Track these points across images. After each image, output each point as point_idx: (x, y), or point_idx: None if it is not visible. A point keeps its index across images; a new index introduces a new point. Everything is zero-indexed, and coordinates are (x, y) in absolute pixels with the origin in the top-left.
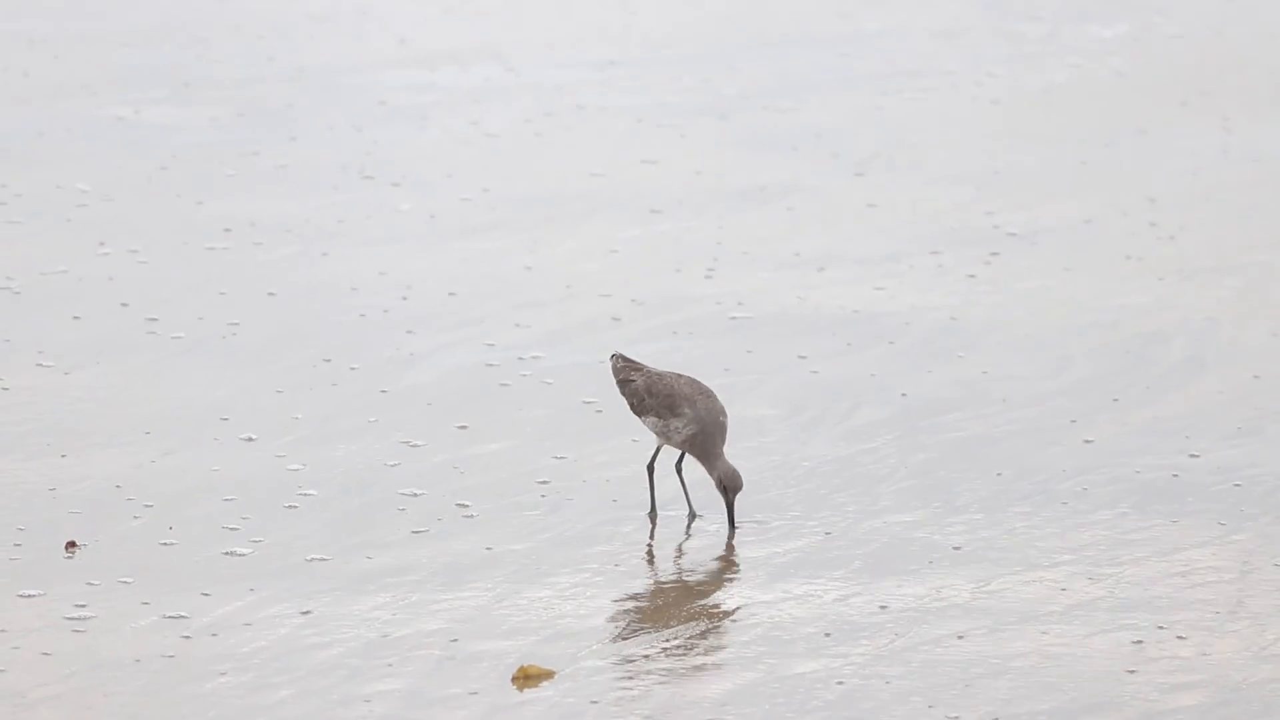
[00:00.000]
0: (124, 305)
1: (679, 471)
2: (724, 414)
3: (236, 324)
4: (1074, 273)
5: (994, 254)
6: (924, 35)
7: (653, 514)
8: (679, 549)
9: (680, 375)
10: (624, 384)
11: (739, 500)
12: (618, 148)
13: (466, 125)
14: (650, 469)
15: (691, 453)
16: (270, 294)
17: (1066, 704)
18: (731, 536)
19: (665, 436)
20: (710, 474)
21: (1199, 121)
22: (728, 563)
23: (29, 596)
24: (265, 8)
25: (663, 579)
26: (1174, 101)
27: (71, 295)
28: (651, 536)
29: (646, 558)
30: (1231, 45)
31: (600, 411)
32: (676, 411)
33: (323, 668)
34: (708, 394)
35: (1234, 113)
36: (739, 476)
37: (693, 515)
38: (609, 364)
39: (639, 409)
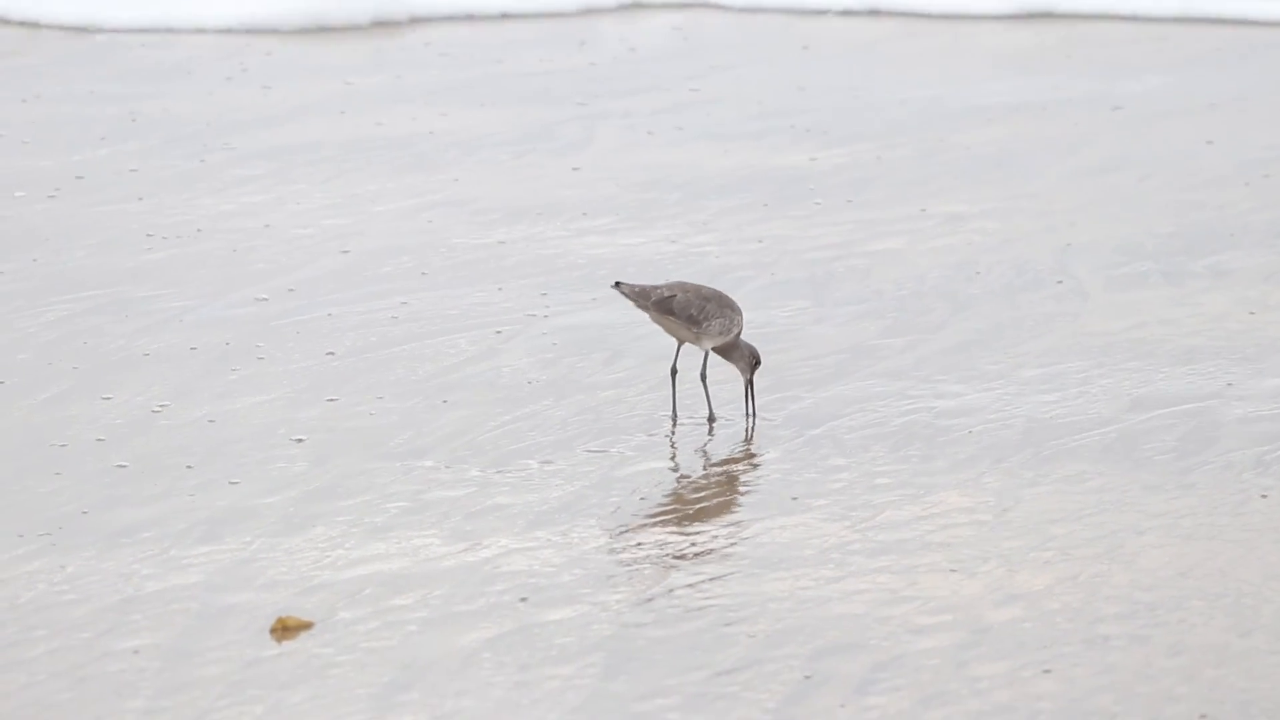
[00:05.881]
0: None
1: (704, 379)
2: None
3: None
4: (826, 218)
5: (743, 200)
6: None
7: (712, 417)
8: (438, 501)
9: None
10: (665, 302)
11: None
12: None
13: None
14: (703, 376)
15: (727, 346)
16: (36, 258)
17: (820, 647)
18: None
19: (724, 334)
20: (738, 361)
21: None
22: (487, 512)
23: None
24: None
25: (419, 530)
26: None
27: None
28: (710, 434)
29: (405, 508)
30: None
31: (348, 361)
32: (733, 307)
33: (81, 622)
34: None
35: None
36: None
37: (714, 418)
38: (621, 291)
39: (701, 316)
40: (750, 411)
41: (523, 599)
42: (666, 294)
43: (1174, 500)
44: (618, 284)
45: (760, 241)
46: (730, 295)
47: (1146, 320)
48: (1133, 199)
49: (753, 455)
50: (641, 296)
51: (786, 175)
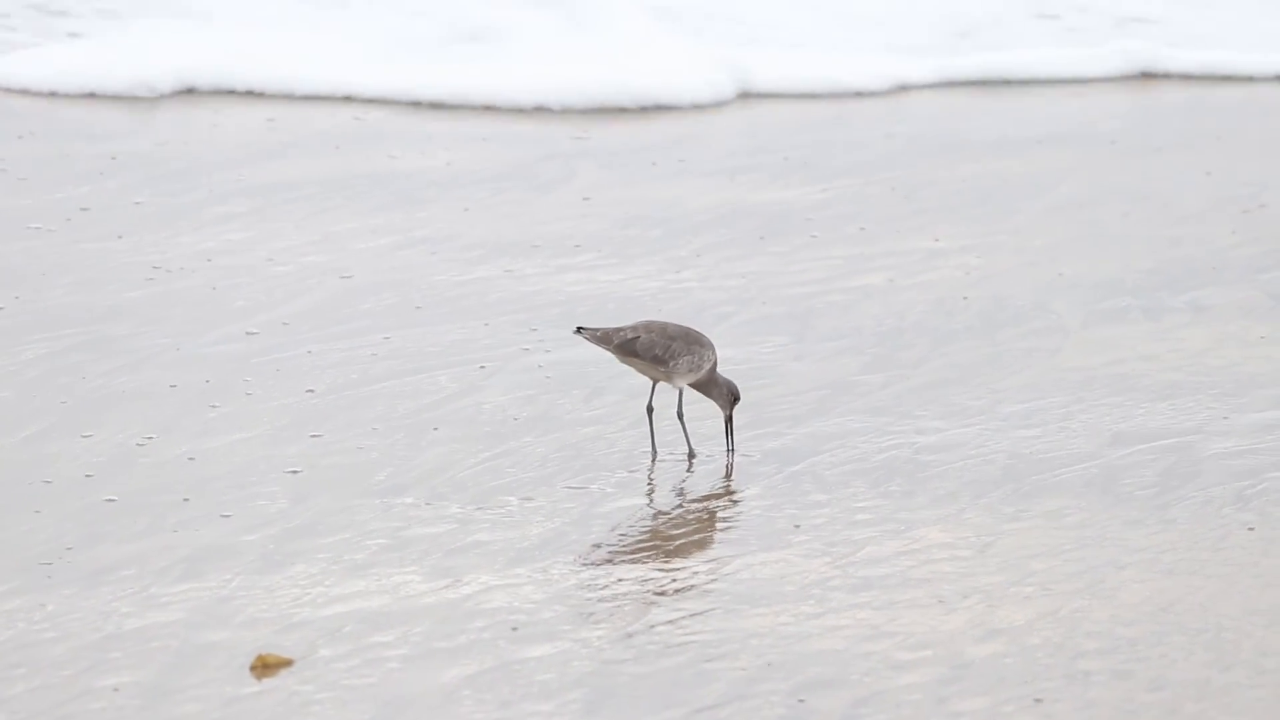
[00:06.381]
0: None
1: (681, 417)
2: None
3: None
4: (807, 253)
5: (725, 235)
6: None
7: (691, 454)
8: (419, 538)
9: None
10: (629, 344)
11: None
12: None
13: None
14: (680, 414)
15: (702, 382)
16: (18, 296)
17: (801, 683)
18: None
19: (695, 370)
20: (718, 398)
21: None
22: (467, 549)
23: None
24: None
25: (399, 567)
26: None
27: None
28: (690, 470)
29: (385, 545)
30: None
31: (328, 398)
32: (703, 343)
33: (61, 660)
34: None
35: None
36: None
37: (693, 454)
38: (583, 336)
39: (667, 356)
40: (730, 448)
41: (514, 629)
42: (630, 335)
43: (1154, 535)
44: (579, 329)
45: (742, 277)
46: (702, 331)
47: (1126, 356)
48: (1113, 235)
49: (733, 491)
50: (603, 341)
51: (769, 211)
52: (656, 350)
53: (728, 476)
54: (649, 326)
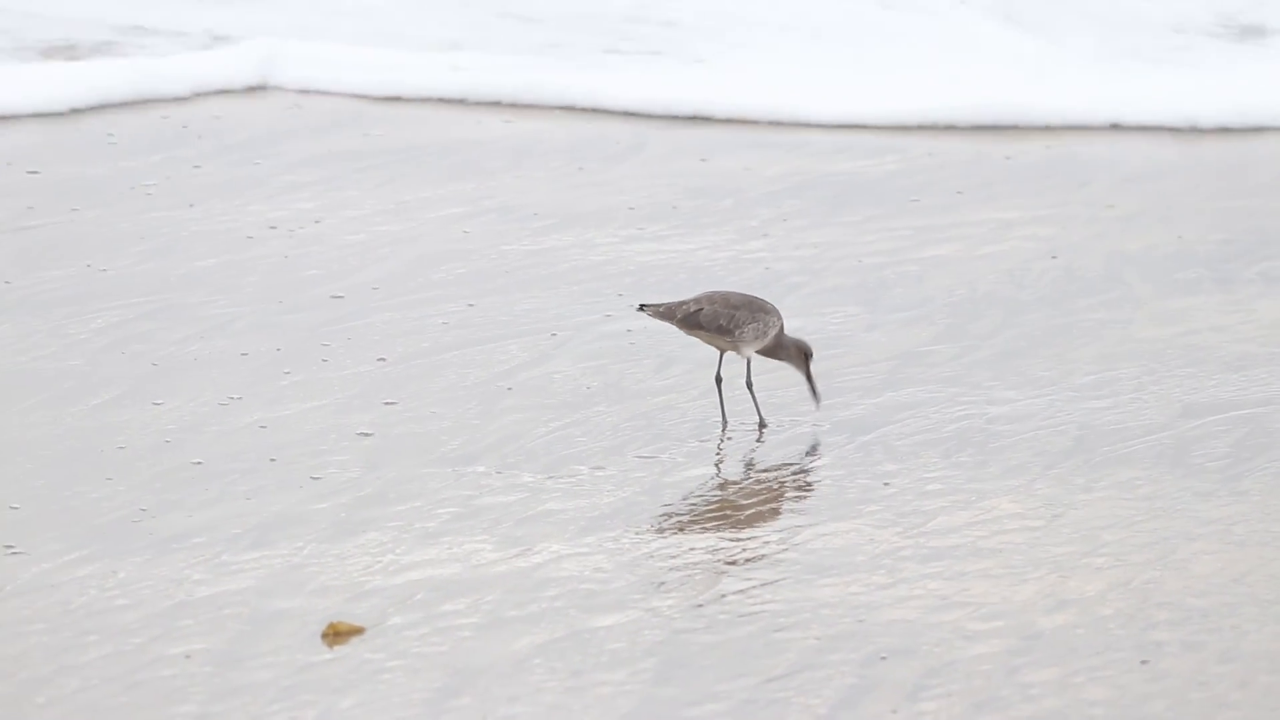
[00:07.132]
0: None
1: (750, 387)
2: None
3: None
4: (878, 224)
5: (791, 210)
6: None
7: (762, 424)
8: (490, 506)
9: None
10: (692, 317)
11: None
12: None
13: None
14: (749, 384)
15: (770, 347)
16: (89, 264)
17: (871, 653)
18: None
19: (761, 337)
20: (788, 359)
21: None
22: (538, 518)
23: None
24: None
25: (471, 535)
26: None
27: None
28: (760, 440)
29: (457, 513)
30: None
31: (399, 367)
32: (767, 309)
33: (133, 627)
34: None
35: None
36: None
37: (764, 424)
38: (646, 314)
39: (732, 325)
40: (815, 394)
41: (592, 594)
42: (693, 308)
43: (1226, 506)
44: (642, 306)
45: (814, 247)
46: (764, 298)
47: (1198, 326)
48: (1184, 205)
49: (804, 461)
50: (667, 315)
51: (839, 181)
52: (721, 321)
53: (817, 405)
54: (711, 298)
